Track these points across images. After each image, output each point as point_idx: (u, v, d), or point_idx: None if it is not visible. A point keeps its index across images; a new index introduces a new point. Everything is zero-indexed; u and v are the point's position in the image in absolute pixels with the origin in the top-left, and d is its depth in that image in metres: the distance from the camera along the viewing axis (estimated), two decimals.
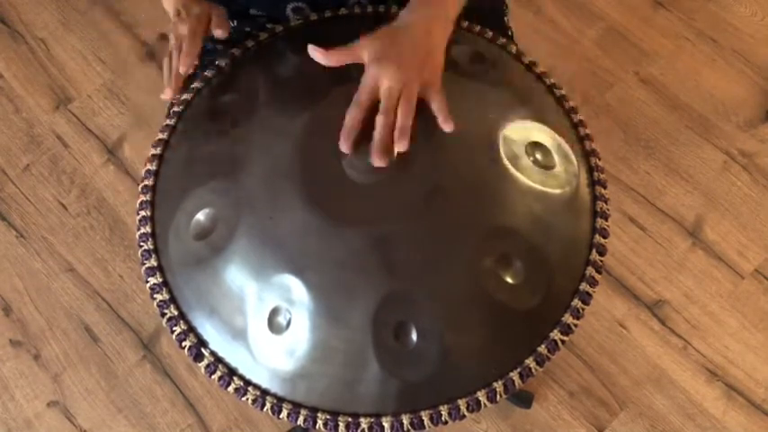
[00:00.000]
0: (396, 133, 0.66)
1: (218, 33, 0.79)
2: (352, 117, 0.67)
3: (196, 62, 0.78)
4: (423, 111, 0.71)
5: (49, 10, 1.77)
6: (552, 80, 0.82)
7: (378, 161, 0.66)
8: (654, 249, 1.45)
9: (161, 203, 0.75)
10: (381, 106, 0.67)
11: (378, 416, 0.66)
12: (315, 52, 0.70)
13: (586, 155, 0.78)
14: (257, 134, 0.73)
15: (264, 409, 0.68)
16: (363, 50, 0.70)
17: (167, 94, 0.78)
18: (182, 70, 0.77)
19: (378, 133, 0.66)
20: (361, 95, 0.68)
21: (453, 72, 0.77)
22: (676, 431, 1.32)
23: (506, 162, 0.70)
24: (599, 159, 0.77)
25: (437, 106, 0.69)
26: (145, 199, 0.76)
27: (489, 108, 0.75)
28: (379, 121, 0.67)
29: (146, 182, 0.76)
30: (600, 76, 1.63)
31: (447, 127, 0.68)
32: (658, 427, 1.32)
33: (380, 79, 0.68)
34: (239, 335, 0.68)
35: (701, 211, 1.49)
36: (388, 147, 0.66)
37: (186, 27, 0.78)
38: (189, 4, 0.81)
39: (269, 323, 0.67)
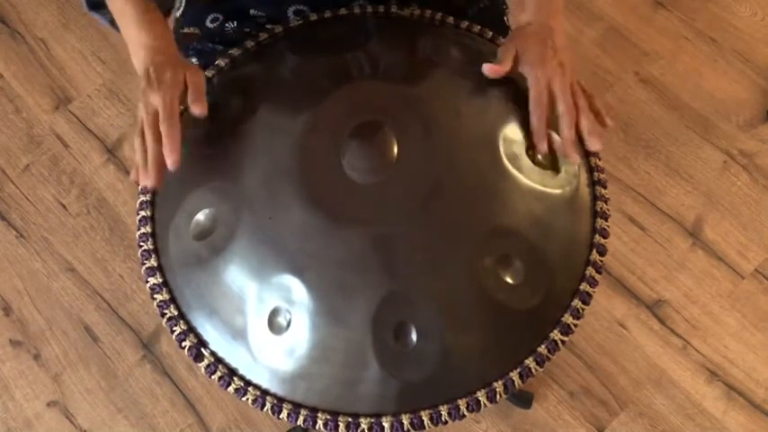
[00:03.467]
0: (590, 136, 0.71)
1: (196, 111, 0.69)
2: (540, 117, 0.70)
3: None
4: (423, 110, 0.71)
5: (49, 10, 1.77)
6: None
7: (574, 157, 0.70)
8: (654, 249, 1.45)
9: (161, 203, 0.75)
10: (563, 106, 0.70)
11: (378, 416, 0.66)
12: (488, 70, 0.73)
13: (586, 155, 0.78)
14: (257, 134, 0.73)
15: (264, 409, 0.68)
16: (522, 55, 0.73)
17: (149, 181, 0.67)
18: (170, 166, 0.66)
19: (567, 132, 0.70)
20: (542, 98, 0.71)
21: (453, 72, 0.77)
22: (676, 431, 1.32)
23: (506, 162, 0.70)
24: (599, 159, 0.78)
25: (587, 102, 0.72)
26: (145, 199, 0.76)
27: (489, 108, 0.75)
28: (565, 120, 0.70)
29: (147, 188, 0.76)
30: (600, 76, 1.63)
31: (595, 145, 0.72)
32: (658, 427, 1.32)
33: (551, 82, 0.71)
34: (239, 335, 0.68)
35: (701, 211, 1.49)
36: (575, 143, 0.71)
37: (159, 99, 0.68)
38: (161, 66, 0.70)
39: (269, 323, 0.67)
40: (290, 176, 0.68)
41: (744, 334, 1.38)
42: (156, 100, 0.68)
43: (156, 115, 0.68)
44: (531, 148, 0.72)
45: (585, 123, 0.71)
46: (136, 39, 0.74)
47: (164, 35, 0.75)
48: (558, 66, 0.72)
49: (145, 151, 0.68)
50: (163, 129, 0.67)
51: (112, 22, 0.79)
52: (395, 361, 0.65)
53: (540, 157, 0.72)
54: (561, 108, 0.71)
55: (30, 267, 1.50)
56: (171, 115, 0.67)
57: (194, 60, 0.94)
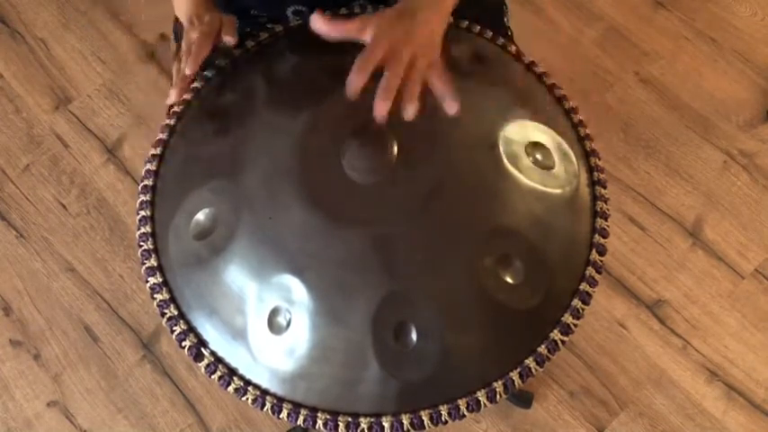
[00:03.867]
0: (405, 97, 0.65)
1: (228, 40, 0.80)
2: (357, 77, 0.65)
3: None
4: (423, 110, 0.70)
5: (49, 10, 1.77)
6: (552, 80, 0.81)
7: (380, 115, 0.64)
8: (654, 249, 1.45)
9: (161, 203, 0.75)
10: (390, 67, 0.66)
11: (378, 416, 0.66)
12: (318, 23, 0.68)
13: (586, 155, 0.78)
14: (257, 134, 0.73)
15: (264, 409, 0.68)
16: (367, 25, 0.68)
17: (172, 97, 0.80)
18: (187, 71, 0.78)
19: (384, 84, 0.65)
20: (368, 57, 0.66)
21: (453, 72, 0.77)
22: (676, 431, 1.32)
23: (506, 162, 0.70)
24: (599, 159, 0.78)
25: (441, 88, 0.67)
26: (145, 199, 0.76)
27: (489, 108, 0.75)
28: (387, 77, 0.65)
29: (146, 182, 0.76)
30: (600, 76, 1.63)
31: (451, 108, 0.67)
32: (658, 427, 1.32)
33: (388, 48, 0.66)
34: (239, 335, 0.68)
35: (701, 211, 1.49)
36: (390, 101, 0.65)
37: (197, 34, 0.80)
38: (201, 13, 0.83)
39: (269, 323, 0.67)
40: (290, 176, 0.68)
41: (744, 334, 1.38)
42: (194, 35, 0.80)
43: (192, 45, 0.79)
44: (532, 147, 0.72)
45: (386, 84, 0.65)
46: None
47: None
48: (404, 42, 0.67)
49: (177, 72, 0.81)
50: (194, 50, 0.78)
51: None
52: (395, 361, 0.65)
53: (540, 156, 0.73)
54: (387, 69, 0.66)
55: (30, 267, 1.50)
56: (203, 41, 0.79)
57: None
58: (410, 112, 0.66)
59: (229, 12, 0.91)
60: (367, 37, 0.68)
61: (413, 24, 0.70)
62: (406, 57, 0.67)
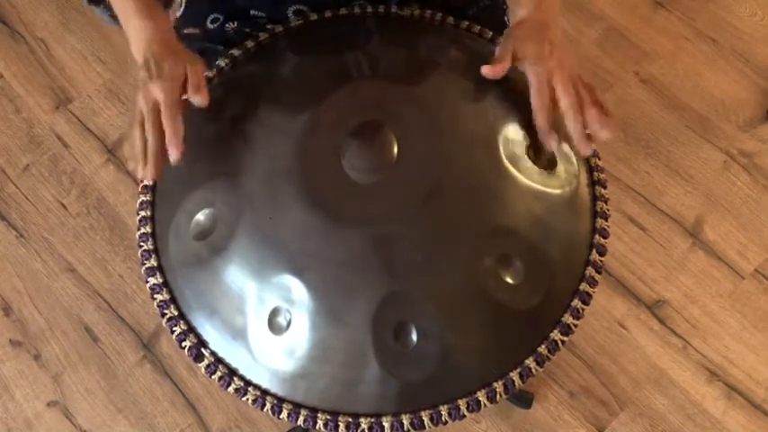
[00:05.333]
0: (599, 123, 0.68)
1: (197, 101, 0.68)
2: (543, 113, 0.70)
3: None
4: (423, 110, 0.71)
5: (48, 10, 1.77)
6: None
7: (586, 151, 0.69)
8: (654, 249, 1.45)
9: (161, 203, 0.75)
10: (566, 100, 0.69)
11: (378, 416, 0.66)
12: (487, 71, 0.72)
13: None
14: (257, 134, 0.73)
15: (264, 410, 0.68)
16: (520, 53, 0.72)
17: (148, 174, 0.66)
18: (173, 159, 0.66)
19: (575, 127, 0.69)
20: (543, 93, 0.70)
21: (453, 72, 0.77)
22: (676, 431, 1.32)
23: (506, 162, 0.70)
24: (599, 159, 0.78)
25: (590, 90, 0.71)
26: (145, 199, 0.76)
27: (489, 108, 0.75)
28: (570, 114, 0.69)
29: (146, 182, 0.76)
30: (600, 76, 1.63)
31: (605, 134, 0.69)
32: (658, 427, 1.32)
33: (551, 77, 0.70)
34: (239, 335, 0.68)
35: (701, 211, 1.49)
36: (587, 136, 0.69)
37: (159, 91, 0.67)
38: (161, 56, 0.69)
39: (269, 323, 0.67)
40: (290, 176, 0.68)
41: (744, 334, 1.38)
42: (156, 91, 0.67)
43: (156, 107, 0.67)
44: (532, 148, 0.72)
45: (592, 114, 0.69)
46: (135, 28, 0.73)
47: (163, 24, 0.74)
48: (556, 61, 0.71)
49: (144, 143, 0.67)
50: (165, 123, 0.67)
51: (113, 18, 0.79)
52: (395, 361, 0.65)
53: (539, 156, 0.72)
54: (564, 103, 0.69)
55: (30, 267, 1.50)
56: (173, 109, 0.67)
57: None
58: (605, 136, 0.69)
59: (230, 12, 0.91)
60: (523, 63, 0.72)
61: (553, 35, 0.73)
62: (569, 80, 0.70)
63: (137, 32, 0.73)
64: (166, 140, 0.66)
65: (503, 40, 0.76)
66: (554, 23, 0.75)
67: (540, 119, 0.70)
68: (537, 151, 0.73)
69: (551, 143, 0.70)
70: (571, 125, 0.69)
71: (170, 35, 0.74)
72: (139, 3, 0.73)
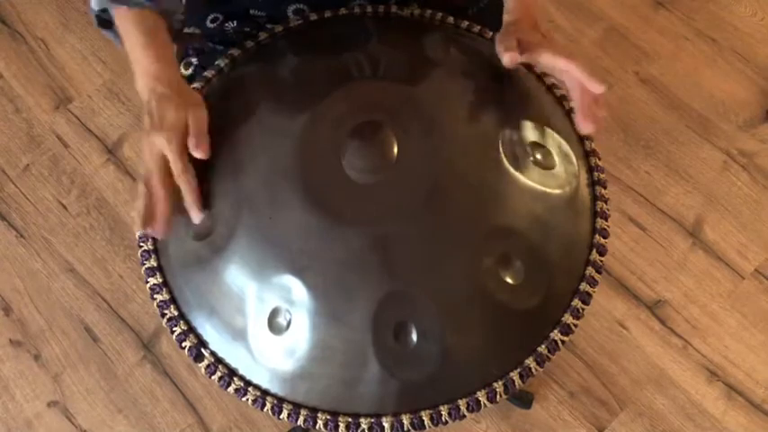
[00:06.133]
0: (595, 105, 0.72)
1: (197, 154, 0.67)
2: (583, 89, 0.72)
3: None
4: (423, 110, 0.71)
5: (48, 10, 1.77)
6: (552, 80, 0.82)
7: (591, 127, 0.72)
8: (654, 249, 1.45)
9: None
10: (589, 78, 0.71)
11: (378, 416, 0.66)
12: (509, 59, 0.73)
13: (586, 155, 0.78)
14: (257, 134, 0.73)
15: (264, 410, 0.68)
16: (524, 44, 0.75)
17: (159, 233, 0.66)
18: (195, 220, 0.67)
19: (585, 100, 0.72)
20: (583, 67, 0.71)
21: (453, 72, 0.77)
22: (676, 431, 1.32)
23: (506, 162, 0.70)
24: (599, 159, 0.78)
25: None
26: None
27: (489, 108, 0.75)
28: (584, 95, 0.72)
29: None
30: (600, 76, 1.62)
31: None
32: (658, 428, 1.32)
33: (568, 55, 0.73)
34: (239, 335, 0.68)
35: (701, 211, 1.49)
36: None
37: (164, 142, 0.66)
38: (163, 103, 0.68)
39: (269, 323, 0.67)
40: (290, 176, 0.68)
41: (744, 334, 1.38)
42: (161, 142, 0.66)
43: (162, 160, 0.67)
44: (532, 148, 0.72)
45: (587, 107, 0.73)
46: (140, 62, 0.72)
47: (168, 61, 0.72)
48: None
49: (151, 201, 0.66)
50: (179, 180, 0.67)
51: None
52: (395, 361, 0.65)
53: (540, 156, 0.73)
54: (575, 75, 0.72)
55: (30, 267, 1.50)
56: (181, 161, 0.66)
57: (194, 60, 0.94)
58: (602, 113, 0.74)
59: (230, 12, 0.91)
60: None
61: (541, 29, 0.78)
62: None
63: (142, 68, 0.71)
64: (186, 202, 0.67)
65: (501, 37, 0.77)
66: (542, 22, 0.79)
67: (580, 96, 0.72)
68: (537, 151, 0.73)
69: (589, 125, 0.73)
70: (580, 98, 0.72)
71: (174, 73, 0.73)
72: (147, 37, 0.72)
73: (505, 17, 0.80)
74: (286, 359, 0.67)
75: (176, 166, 0.66)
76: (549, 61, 0.74)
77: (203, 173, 0.73)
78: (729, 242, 1.46)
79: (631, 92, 1.61)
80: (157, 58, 0.71)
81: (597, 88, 0.71)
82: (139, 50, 0.71)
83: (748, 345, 1.37)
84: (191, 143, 0.67)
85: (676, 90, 1.61)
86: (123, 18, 0.73)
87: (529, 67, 0.82)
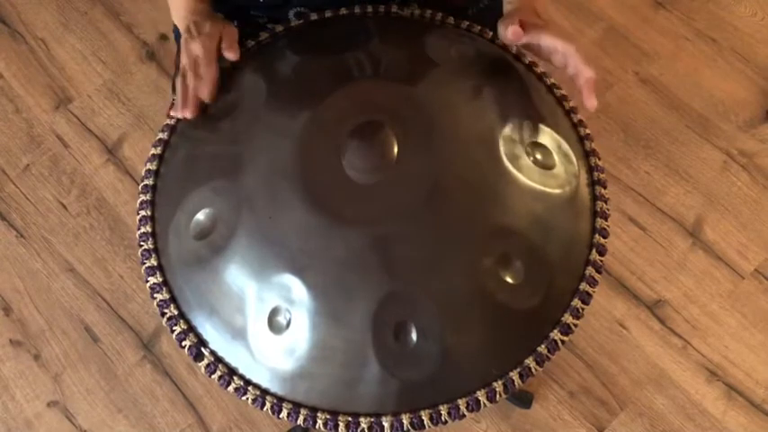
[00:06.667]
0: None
1: (229, 56, 0.77)
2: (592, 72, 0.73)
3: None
4: (423, 110, 0.71)
5: (48, 10, 1.77)
6: (552, 80, 0.82)
7: (594, 103, 0.73)
8: (654, 249, 1.45)
9: (161, 203, 0.75)
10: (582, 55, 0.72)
11: (378, 415, 0.66)
12: (512, 33, 0.74)
13: (586, 155, 0.78)
14: (257, 134, 0.73)
15: (264, 409, 0.68)
16: (526, 24, 0.75)
17: (188, 113, 0.76)
18: (206, 98, 0.75)
19: (590, 77, 0.73)
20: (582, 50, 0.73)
21: (453, 72, 0.77)
22: (676, 431, 1.32)
23: (506, 162, 0.70)
24: (599, 159, 0.78)
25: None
26: (145, 198, 0.76)
27: (489, 108, 0.75)
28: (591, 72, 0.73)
29: (146, 181, 0.76)
30: (600, 76, 1.63)
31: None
32: (658, 428, 1.32)
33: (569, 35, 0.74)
34: (239, 334, 0.68)
35: (701, 211, 1.49)
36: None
37: (199, 47, 0.76)
38: (201, 22, 0.79)
39: (269, 323, 0.67)
40: (290, 176, 0.68)
41: (744, 334, 1.38)
42: (196, 48, 0.76)
43: (196, 60, 0.76)
44: (532, 147, 0.72)
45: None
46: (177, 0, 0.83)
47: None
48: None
49: (185, 89, 0.75)
50: (203, 69, 0.75)
51: None
52: (395, 361, 0.65)
53: (540, 156, 0.73)
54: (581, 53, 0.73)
55: (30, 267, 1.50)
56: (210, 59, 0.76)
57: None
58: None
59: (230, 12, 0.91)
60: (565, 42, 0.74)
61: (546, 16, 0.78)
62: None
63: (179, 3, 0.83)
64: (203, 82, 0.75)
65: (502, 20, 0.78)
66: (543, 10, 0.79)
67: (589, 72, 0.72)
68: (537, 150, 0.73)
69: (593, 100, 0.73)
70: (587, 73, 0.73)
71: (208, 7, 0.84)
72: None
73: (507, 6, 0.81)
74: (286, 358, 0.67)
75: (204, 58, 0.76)
76: (550, 42, 0.74)
77: (204, 171, 0.73)
78: (729, 242, 1.46)
79: (631, 92, 1.61)
80: None
81: (588, 72, 0.72)
82: None
83: (748, 345, 1.37)
84: (224, 46, 0.77)
85: (676, 90, 1.61)
86: None
87: (529, 66, 0.82)
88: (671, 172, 1.53)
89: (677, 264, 1.44)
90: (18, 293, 1.48)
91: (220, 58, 0.83)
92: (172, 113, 0.77)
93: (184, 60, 0.77)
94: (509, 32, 0.74)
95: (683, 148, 1.55)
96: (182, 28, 0.82)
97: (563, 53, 0.73)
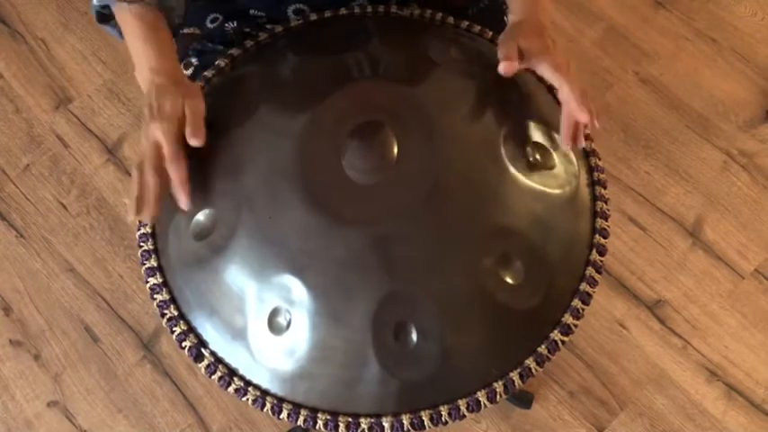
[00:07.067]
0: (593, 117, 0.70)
1: (193, 142, 0.69)
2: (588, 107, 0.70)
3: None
4: (423, 110, 0.71)
5: (48, 10, 1.77)
6: None
7: (582, 143, 0.72)
8: (654, 249, 1.45)
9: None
10: (580, 94, 0.70)
11: (378, 416, 0.66)
12: (505, 68, 0.71)
13: (586, 155, 0.78)
14: (257, 134, 0.73)
15: (264, 410, 0.68)
16: (525, 49, 0.73)
17: (146, 216, 0.67)
18: (182, 206, 0.68)
19: (584, 116, 0.70)
20: (575, 91, 0.70)
21: (453, 72, 0.77)
22: (676, 431, 1.32)
23: (506, 162, 0.70)
24: (599, 159, 0.78)
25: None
26: None
27: (489, 108, 0.75)
28: (587, 106, 0.70)
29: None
30: (600, 76, 1.63)
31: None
32: (658, 428, 1.32)
33: (566, 72, 0.71)
34: (239, 335, 0.68)
35: (701, 211, 1.49)
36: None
37: (160, 133, 0.68)
38: (162, 94, 0.70)
39: (269, 323, 0.67)
40: (290, 176, 0.68)
41: (744, 334, 1.38)
42: (157, 133, 0.68)
43: (157, 148, 0.68)
44: (532, 148, 0.72)
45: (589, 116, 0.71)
46: (140, 56, 0.74)
47: (168, 55, 0.75)
48: (561, 54, 0.72)
49: (143, 187, 0.67)
50: (170, 168, 0.68)
51: (123, 35, 0.80)
52: (395, 361, 0.65)
53: (539, 156, 0.73)
54: (577, 91, 0.71)
55: (30, 267, 1.50)
56: (175, 151, 0.68)
57: (194, 60, 0.94)
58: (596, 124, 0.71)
59: (230, 12, 0.91)
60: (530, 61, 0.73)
61: (549, 35, 0.75)
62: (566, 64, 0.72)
63: (142, 60, 0.74)
64: (174, 187, 0.68)
65: (503, 39, 0.76)
66: (547, 24, 0.77)
67: (584, 107, 0.70)
68: (537, 151, 0.73)
69: (581, 140, 0.72)
70: (566, 117, 0.71)
71: (174, 67, 0.74)
72: (146, 30, 0.74)
73: (511, 17, 0.79)
74: (286, 359, 0.67)
75: (167, 152, 0.68)
76: (546, 75, 0.73)
77: (204, 172, 0.73)
78: (729, 242, 1.46)
79: (631, 92, 1.61)
80: (157, 51, 0.73)
81: (583, 117, 0.70)
82: (140, 44, 0.74)
83: (748, 345, 1.37)
84: (187, 132, 0.69)
85: (676, 90, 1.61)
86: (124, 13, 0.75)
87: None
88: (671, 172, 1.53)
89: (677, 264, 1.44)
90: (18, 293, 1.48)
91: (215, 54, 0.82)
92: (128, 218, 0.68)
93: (145, 146, 0.68)
94: (501, 67, 0.72)
95: (683, 148, 1.55)
96: (143, 91, 0.73)
97: (558, 88, 0.72)
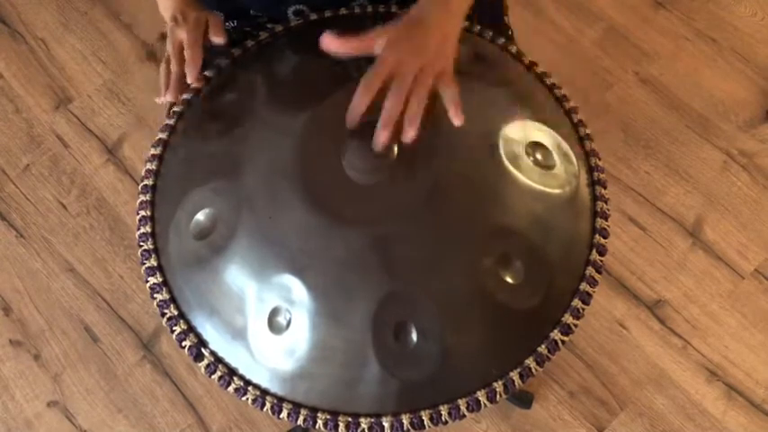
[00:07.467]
0: (405, 120, 0.64)
1: (216, 41, 0.78)
2: (361, 101, 0.64)
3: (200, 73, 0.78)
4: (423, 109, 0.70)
5: (48, 10, 1.77)
6: (552, 80, 0.81)
7: (380, 144, 0.64)
8: (654, 249, 1.45)
9: (161, 203, 0.75)
10: (394, 89, 0.64)
11: (378, 416, 0.66)
12: (329, 42, 0.66)
13: (586, 155, 0.78)
14: (257, 134, 0.73)
15: (264, 409, 0.68)
16: (378, 38, 0.67)
17: (169, 97, 0.77)
18: (189, 80, 0.76)
19: (386, 114, 0.64)
20: (373, 78, 0.64)
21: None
22: (676, 431, 1.32)
23: (506, 162, 0.70)
24: (599, 159, 0.77)
25: (449, 97, 0.66)
26: (145, 199, 0.76)
27: (489, 108, 0.75)
28: (390, 103, 0.64)
29: (146, 181, 0.76)
30: (600, 76, 1.63)
31: (457, 120, 0.65)
32: (658, 428, 1.32)
33: (395, 64, 0.65)
34: (239, 335, 0.68)
35: (701, 211, 1.49)
36: (392, 131, 0.64)
37: (184, 33, 0.77)
38: (186, 10, 0.80)
39: (269, 323, 0.67)
40: (290, 176, 0.68)
41: (744, 334, 1.38)
42: (181, 34, 0.77)
43: (180, 46, 0.77)
44: (532, 148, 0.72)
45: (387, 117, 0.64)
46: None
47: None
48: (411, 55, 0.66)
49: (168, 73, 0.78)
50: (186, 52, 0.76)
51: None
52: (395, 361, 0.65)
53: (540, 156, 0.73)
54: (391, 91, 0.65)
55: (30, 267, 1.50)
56: (194, 43, 0.76)
57: None
58: (409, 135, 0.64)
59: (230, 12, 0.91)
60: (377, 52, 0.67)
61: (424, 35, 0.68)
62: (413, 71, 0.65)
63: None
64: (186, 65, 0.76)
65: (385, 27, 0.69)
66: (435, 23, 0.69)
67: (356, 97, 0.65)
68: (537, 151, 0.73)
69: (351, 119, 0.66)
70: (384, 113, 0.65)
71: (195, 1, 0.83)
72: None
73: (411, 9, 0.71)
74: (286, 359, 0.67)
75: (187, 39, 0.77)
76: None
77: (204, 171, 0.73)
78: (729, 242, 1.46)
79: (631, 92, 1.61)
80: None
81: (361, 101, 0.65)
82: None
83: (748, 345, 1.37)
84: (211, 32, 0.78)
85: (676, 90, 1.61)
86: None
87: (529, 66, 0.82)
88: (671, 172, 1.53)
89: (677, 264, 1.44)
90: (18, 293, 1.48)
91: (217, 55, 0.83)
92: (156, 100, 0.79)
93: (169, 47, 0.79)
94: (324, 37, 0.67)
95: (683, 148, 1.55)
96: (167, 17, 0.83)
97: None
